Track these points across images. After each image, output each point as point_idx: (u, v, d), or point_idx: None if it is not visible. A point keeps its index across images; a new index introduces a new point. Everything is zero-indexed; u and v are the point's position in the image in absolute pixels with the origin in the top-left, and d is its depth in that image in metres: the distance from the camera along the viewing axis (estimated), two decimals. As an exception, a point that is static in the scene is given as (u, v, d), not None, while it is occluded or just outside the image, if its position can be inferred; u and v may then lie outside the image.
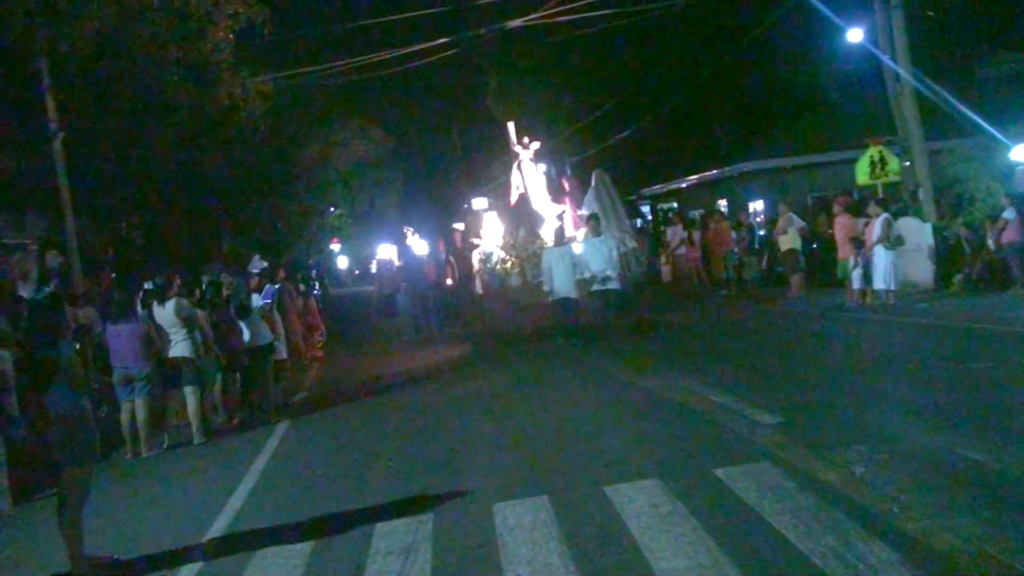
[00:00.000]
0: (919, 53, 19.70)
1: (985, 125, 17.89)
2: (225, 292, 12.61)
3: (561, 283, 15.57)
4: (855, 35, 19.57)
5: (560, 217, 18.69)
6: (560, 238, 16.51)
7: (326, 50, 28.13)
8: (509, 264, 18.35)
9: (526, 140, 20.56)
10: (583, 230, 17.08)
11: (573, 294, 15.64)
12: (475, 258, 20.46)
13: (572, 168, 29.57)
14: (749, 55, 28.76)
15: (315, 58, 26.65)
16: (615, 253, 15.73)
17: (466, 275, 20.85)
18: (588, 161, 31.16)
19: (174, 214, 24.46)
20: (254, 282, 13.58)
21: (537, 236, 18.48)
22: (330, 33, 28.13)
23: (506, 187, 24.10)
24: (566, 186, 19.84)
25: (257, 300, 12.72)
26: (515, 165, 20.49)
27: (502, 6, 28.48)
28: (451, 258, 21.60)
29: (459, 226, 24.46)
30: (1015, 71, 27.51)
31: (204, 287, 13.06)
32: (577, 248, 16.13)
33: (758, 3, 24.48)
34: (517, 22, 27.06)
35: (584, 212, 17.72)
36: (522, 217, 19.49)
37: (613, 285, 15.51)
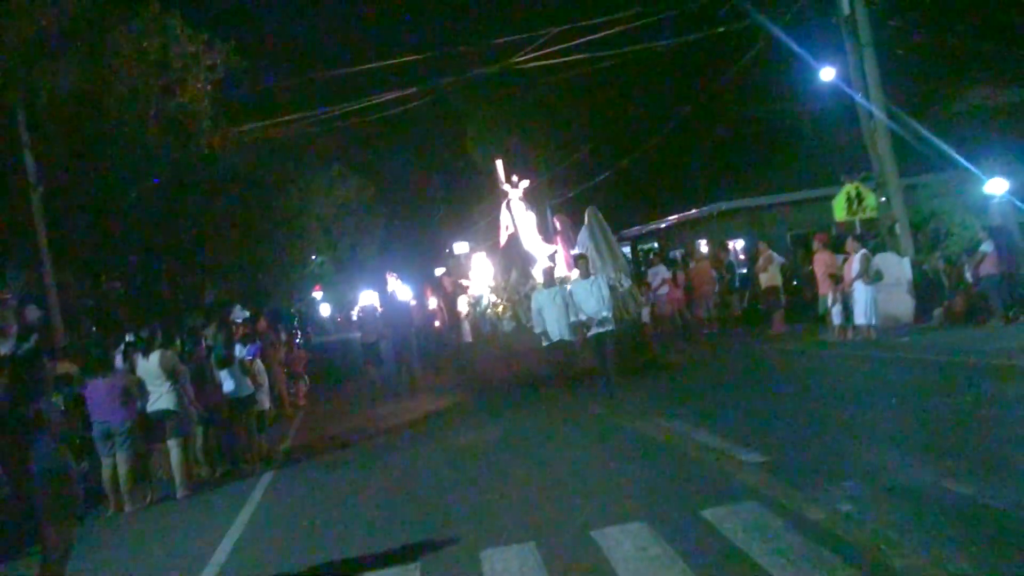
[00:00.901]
0: (892, 89, 19.97)
1: (959, 159, 18.10)
2: (205, 343, 12.58)
3: (553, 326, 14.83)
4: (827, 74, 19.83)
5: (552, 258, 17.73)
6: (550, 279, 15.68)
7: (305, 98, 28.35)
8: (501, 308, 17.16)
9: (515, 178, 19.55)
10: (576, 271, 16.09)
11: (567, 337, 14.89)
12: (463, 302, 19.61)
13: (553, 210, 29.28)
14: (725, 95, 29.08)
15: (295, 106, 26.79)
16: (607, 292, 14.65)
17: (454, 320, 20.23)
18: (568, 204, 31.30)
19: (155, 265, 24.40)
20: (239, 331, 13.57)
21: (530, 277, 17.34)
22: (309, 82, 28.28)
23: (491, 229, 23.90)
24: (558, 225, 18.72)
25: (240, 351, 12.69)
26: (504, 204, 19.39)
27: (480, 52, 28.76)
28: (441, 303, 21.35)
29: (439, 271, 24.30)
30: (985, 106, 27.91)
31: (184, 338, 13.03)
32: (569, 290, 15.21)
33: (733, 44, 24.76)
34: (495, 68, 27.31)
35: (577, 251, 16.79)
36: (513, 258, 18.34)
37: (610, 327, 14.52)
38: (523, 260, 18.00)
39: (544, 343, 15.08)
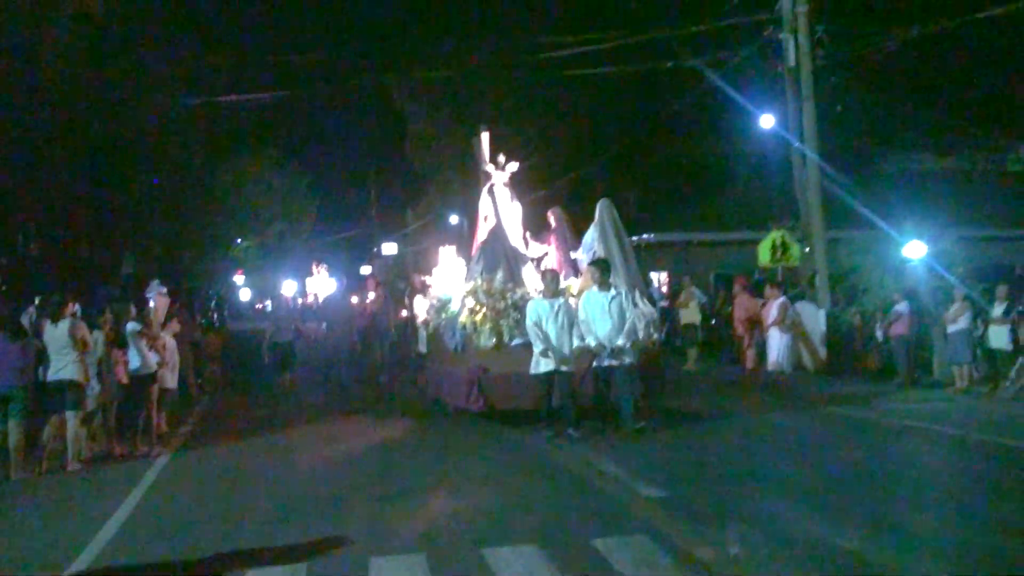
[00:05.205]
0: (826, 144, 20.43)
1: (879, 222, 18.63)
2: (109, 317, 12.21)
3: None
4: (767, 121, 20.23)
5: (540, 262, 14.25)
6: (555, 287, 12.22)
7: (249, 80, 28.06)
8: (479, 316, 13.08)
9: (501, 159, 15.31)
10: (573, 280, 13.41)
11: (565, 366, 11.72)
12: (421, 305, 16.15)
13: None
14: (666, 129, 29.49)
15: (238, 87, 26.54)
16: (630, 314, 11.80)
17: (410, 326, 17.37)
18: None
19: (75, 230, 23.87)
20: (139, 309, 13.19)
21: (519, 282, 13.61)
22: (254, 64, 28.06)
23: (423, 232, 23.24)
24: (552, 221, 14.89)
25: (133, 326, 12.36)
26: (485, 189, 15.36)
27: (428, 56, 28.81)
28: (406, 299, 19.00)
29: (365, 269, 23.28)
30: (914, 170, 28.76)
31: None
32: (574, 304, 12.20)
33: (678, 81, 25.17)
34: (439, 72, 27.38)
35: (582, 256, 13.74)
36: (497, 255, 14.26)
37: (628, 359, 11.71)
38: (509, 259, 14.12)
39: (535, 369, 11.83)
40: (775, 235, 20.14)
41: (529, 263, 14.19)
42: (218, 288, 46.72)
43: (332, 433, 13.51)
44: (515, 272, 13.81)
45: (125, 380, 11.96)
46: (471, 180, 30.90)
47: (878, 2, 20.73)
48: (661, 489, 8.55)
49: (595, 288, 11.96)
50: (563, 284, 13.00)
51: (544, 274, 12.65)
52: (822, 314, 18.59)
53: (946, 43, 23.54)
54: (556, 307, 11.84)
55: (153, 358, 12.40)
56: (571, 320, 11.82)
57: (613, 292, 11.86)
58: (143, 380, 12.16)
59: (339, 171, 59.23)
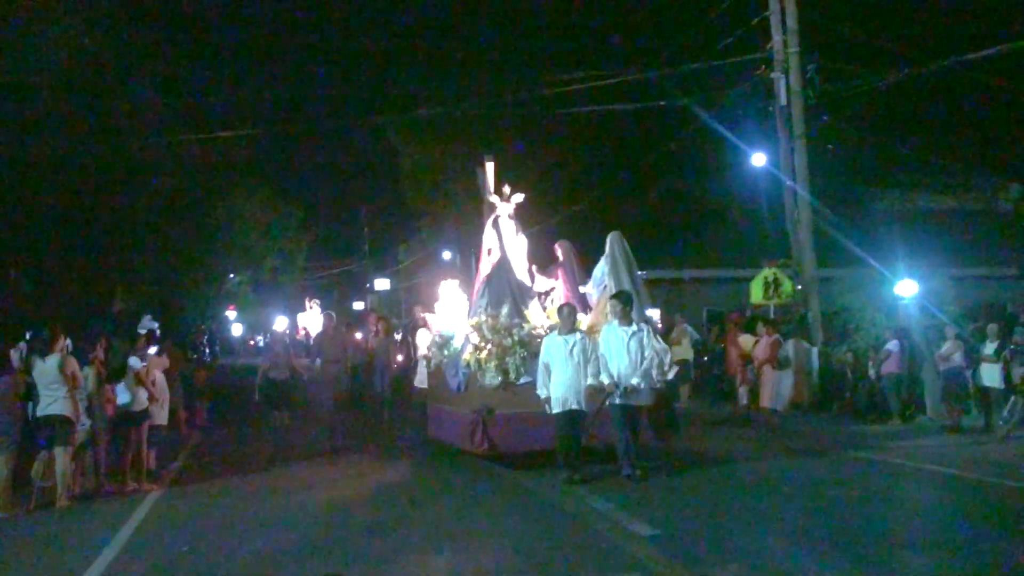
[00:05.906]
0: (818, 183, 20.57)
1: (870, 260, 18.71)
2: (100, 352, 12.15)
3: (564, 387, 11.10)
4: (759, 159, 20.37)
5: (544, 297, 13.76)
6: (572, 322, 11.53)
7: (243, 116, 28.22)
8: (484, 354, 12.39)
9: (506, 190, 14.52)
10: (581, 316, 12.42)
11: (577, 405, 11.12)
12: (423, 338, 15.38)
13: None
14: (657, 166, 29.62)
15: (233, 123, 26.66)
16: (649, 353, 11.12)
17: (410, 363, 16.65)
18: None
19: (67, 265, 23.82)
20: (140, 342, 13.21)
21: (526, 317, 12.98)
22: (248, 100, 28.21)
23: (416, 268, 23.18)
24: (559, 253, 14.18)
25: (135, 362, 12.32)
26: (489, 221, 14.51)
27: (418, 92, 28.96)
28: (409, 337, 17.81)
29: (359, 304, 23.10)
30: (906, 208, 28.92)
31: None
32: (591, 340, 11.55)
33: (671, 119, 25.37)
34: (436, 110, 27.53)
35: (591, 290, 13.30)
36: (502, 289, 13.51)
37: (643, 399, 11.21)
38: (515, 293, 13.41)
39: (550, 409, 11.23)
40: (767, 272, 20.21)
41: (536, 297, 13.64)
42: (210, 323, 46.60)
43: (327, 472, 13.32)
44: (521, 307, 13.21)
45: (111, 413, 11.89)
46: (465, 215, 31.10)
47: (869, 43, 20.89)
48: (655, 527, 8.50)
49: (615, 322, 11.32)
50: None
51: (561, 308, 11.98)
52: (815, 351, 18.61)
53: (937, 84, 23.80)
54: (571, 343, 11.20)
55: (143, 394, 12.33)
56: (586, 357, 11.15)
57: (634, 328, 11.22)
58: (133, 417, 12.08)
59: (332, 207, 59.40)
